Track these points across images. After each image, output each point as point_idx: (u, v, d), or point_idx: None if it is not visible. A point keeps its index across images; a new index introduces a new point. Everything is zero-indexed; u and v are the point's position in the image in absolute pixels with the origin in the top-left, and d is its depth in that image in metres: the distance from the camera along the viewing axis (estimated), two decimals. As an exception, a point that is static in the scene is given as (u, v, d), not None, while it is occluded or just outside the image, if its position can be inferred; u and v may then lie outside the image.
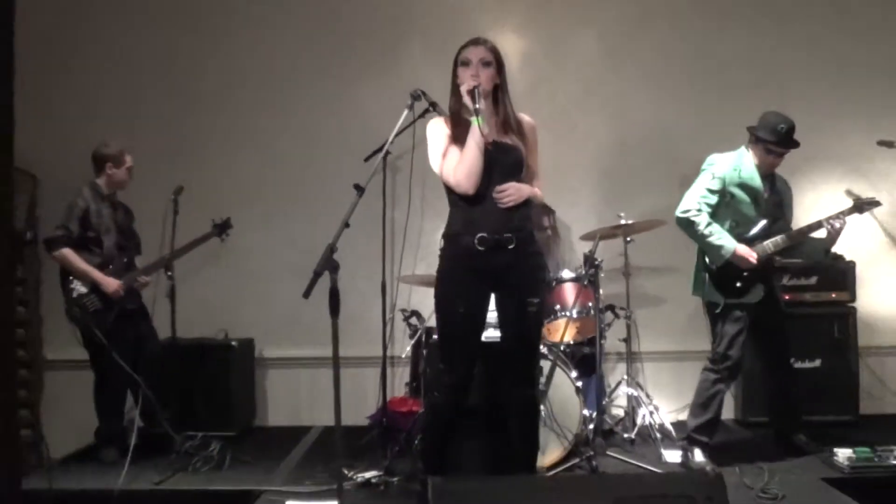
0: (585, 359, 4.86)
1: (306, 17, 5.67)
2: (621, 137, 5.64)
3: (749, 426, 5.05)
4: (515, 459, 3.55)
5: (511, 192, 3.38)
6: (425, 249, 5.03)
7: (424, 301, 4.52)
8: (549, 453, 4.15)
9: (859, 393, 5.11)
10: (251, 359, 5.55)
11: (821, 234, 4.26)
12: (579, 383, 4.27)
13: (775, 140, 4.18)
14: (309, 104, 5.62)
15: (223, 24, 5.69)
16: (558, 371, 4.20)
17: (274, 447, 4.91)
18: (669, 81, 5.61)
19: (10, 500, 1.59)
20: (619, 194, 5.47)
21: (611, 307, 4.95)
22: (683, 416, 4.82)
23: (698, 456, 4.17)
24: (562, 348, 4.48)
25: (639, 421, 4.81)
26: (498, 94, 3.49)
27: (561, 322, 4.64)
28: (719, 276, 4.24)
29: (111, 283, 4.52)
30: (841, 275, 5.21)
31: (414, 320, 4.77)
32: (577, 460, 4.21)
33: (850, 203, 4.37)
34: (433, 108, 4.07)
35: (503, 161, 3.40)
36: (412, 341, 4.72)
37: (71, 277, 4.53)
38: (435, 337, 3.96)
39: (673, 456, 4.35)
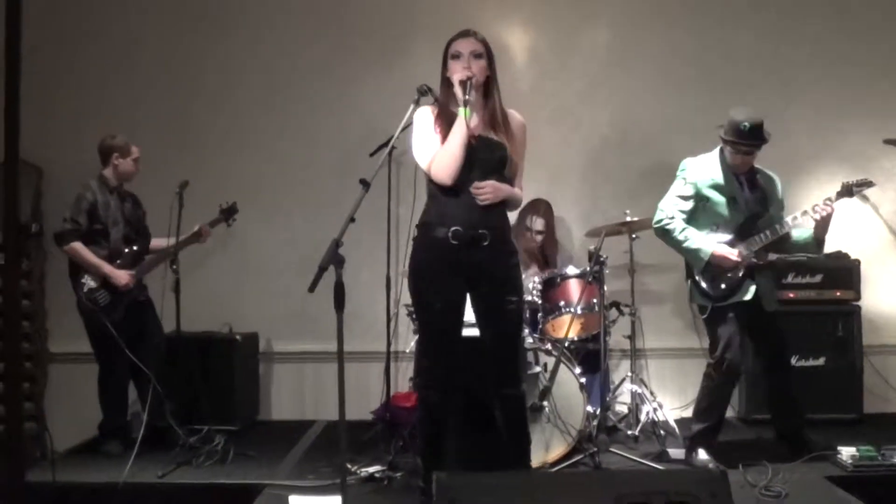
0: (589, 355, 4.87)
1: (309, 14, 5.66)
2: (627, 134, 5.62)
3: (752, 424, 5.03)
4: (507, 458, 3.53)
5: (489, 190, 3.36)
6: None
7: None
8: (553, 449, 4.15)
9: (863, 391, 5.10)
10: (255, 353, 5.55)
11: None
12: (583, 380, 4.27)
13: (739, 139, 4.07)
14: (313, 99, 5.62)
15: (227, 21, 5.69)
16: (562, 367, 4.20)
17: (277, 441, 4.92)
18: (675, 78, 5.60)
19: (14, 492, 1.59)
20: (624, 191, 5.46)
21: (615, 304, 4.95)
22: (687, 413, 4.83)
23: (702, 454, 4.15)
24: (566, 344, 4.48)
25: (642, 418, 4.80)
26: (488, 87, 3.47)
27: (565, 318, 4.64)
28: (704, 279, 4.18)
29: (122, 277, 4.51)
30: (846, 273, 5.20)
31: (418, 315, 4.76)
32: (580, 457, 4.20)
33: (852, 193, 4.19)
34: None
35: (486, 157, 3.38)
36: (416, 336, 4.71)
37: (81, 272, 4.52)
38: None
39: (676, 453, 4.33)
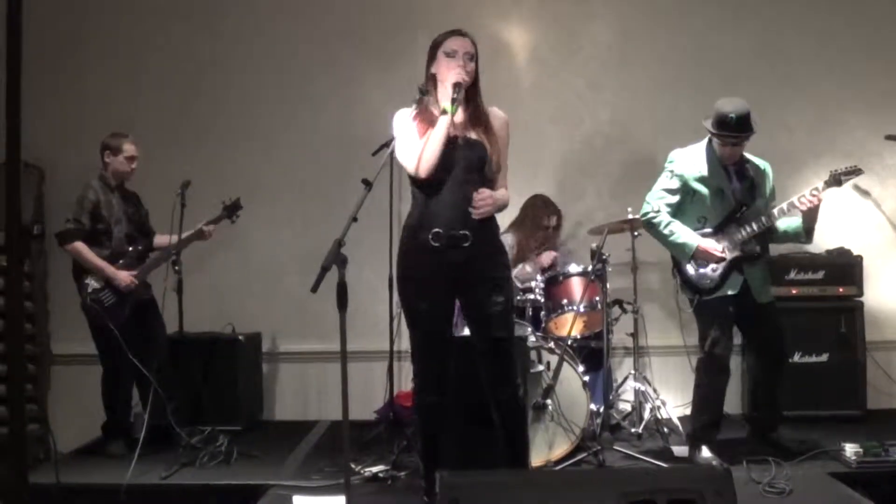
0: (592, 353, 4.87)
1: (312, 11, 5.66)
2: (629, 132, 5.62)
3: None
4: (505, 460, 3.51)
5: (488, 203, 3.34)
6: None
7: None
8: (557, 448, 4.16)
9: (867, 387, 5.09)
10: (258, 353, 5.55)
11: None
12: (586, 378, 4.27)
13: (724, 131, 4.04)
14: (315, 99, 5.62)
15: (228, 21, 5.69)
16: (565, 366, 4.20)
17: (281, 441, 4.92)
18: (676, 75, 5.59)
19: (18, 493, 1.59)
20: (626, 189, 5.44)
21: (618, 302, 4.94)
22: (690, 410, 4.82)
23: (705, 451, 4.14)
24: (569, 343, 4.48)
25: (646, 415, 4.79)
26: (473, 87, 3.44)
27: (568, 316, 4.64)
28: (690, 272, 4.15)
29: (124, 278, 4.50)
30: (848, 269, 5.18)
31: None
32: (584, 455, 4.21)
33: (842, 187, 4.18)
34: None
35: (467, 156, 3.37)
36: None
37: (84, 272, 4.51)
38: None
39: (680, 451, 4.32)
